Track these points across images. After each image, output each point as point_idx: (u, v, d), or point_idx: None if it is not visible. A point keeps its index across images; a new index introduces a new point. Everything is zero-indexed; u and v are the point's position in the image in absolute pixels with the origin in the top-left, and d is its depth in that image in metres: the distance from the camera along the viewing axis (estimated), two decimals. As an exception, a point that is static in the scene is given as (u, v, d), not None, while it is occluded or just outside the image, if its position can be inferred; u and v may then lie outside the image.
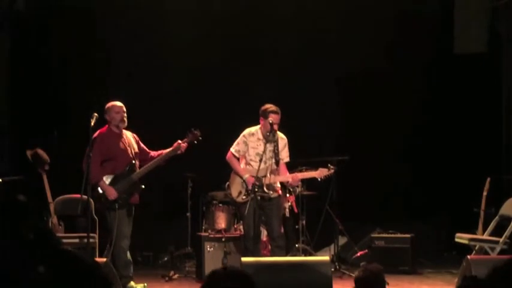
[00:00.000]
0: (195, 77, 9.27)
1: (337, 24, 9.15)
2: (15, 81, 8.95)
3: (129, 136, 6.72)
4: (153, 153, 6.76)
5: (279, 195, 7.00)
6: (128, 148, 6.60)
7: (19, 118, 8.92)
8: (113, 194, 6.39)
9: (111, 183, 6.42)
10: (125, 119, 6.60)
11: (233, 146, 6.99)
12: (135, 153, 6.67)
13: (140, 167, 6.64)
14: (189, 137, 6.69)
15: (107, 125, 6.61)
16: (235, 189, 6.93)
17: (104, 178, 6.43)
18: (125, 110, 6.63)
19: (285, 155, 6.95)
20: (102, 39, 9.03)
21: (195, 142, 6.72)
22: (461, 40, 8.72)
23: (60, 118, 8.89)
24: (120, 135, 6.62)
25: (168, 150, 6.68)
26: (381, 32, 9.14)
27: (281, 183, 7.10)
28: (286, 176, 7.00)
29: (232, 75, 9.30)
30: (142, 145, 6.83)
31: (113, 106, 6.61)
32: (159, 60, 9.22)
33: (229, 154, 6.99)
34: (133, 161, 6.58)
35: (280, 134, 6.90)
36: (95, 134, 6.46)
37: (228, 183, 7.13)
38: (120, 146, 6.56)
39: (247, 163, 6.93)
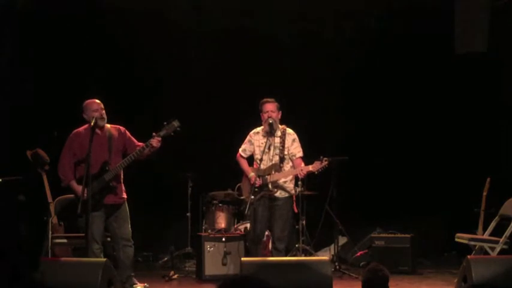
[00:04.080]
0: (195, 76, 9.28)
1: (337, 24, 9.15)
2: (16, 81, 8.94)
3: (111, 132, 6.44)
4: (141, 144, 6.37)
5: (289, 196, 6.81)
6: (104, 147, 6.35)
7: (19, 118, 8.91)
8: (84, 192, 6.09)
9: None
10: (98, 115, 6.27)
11: (241, 146, 6.97)
12: (117, 150, 6.41)
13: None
14: (164, 129, 6.23)
15: (87, 124, 6.39)
16: (246, 190, 6.87)
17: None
18: (96, 108, 6.32)
19: (296, 151, 6.77)
20: (102, 38, 9.02)
21: (173, 134, 6.23)
22: (461, 40, 8.70)
23: (60, 118, 8.88)
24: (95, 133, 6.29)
25: (139, 147, 6.30)
26: (381, 32, 9.15)
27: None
28: (293, 171, 6.70)
29: (234, 76, 9.30)
30: (129, 137, 6.52)
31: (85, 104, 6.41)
32: (160, 58, 9.22)
33: (237, 154, 6.97)
34: (107, 161, 6.32)
35: (288, 130, 6.81)
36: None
37: (239, 184, 7.12)
38: (94, 145, 6.16)
39: (256, 163, 6.83)
